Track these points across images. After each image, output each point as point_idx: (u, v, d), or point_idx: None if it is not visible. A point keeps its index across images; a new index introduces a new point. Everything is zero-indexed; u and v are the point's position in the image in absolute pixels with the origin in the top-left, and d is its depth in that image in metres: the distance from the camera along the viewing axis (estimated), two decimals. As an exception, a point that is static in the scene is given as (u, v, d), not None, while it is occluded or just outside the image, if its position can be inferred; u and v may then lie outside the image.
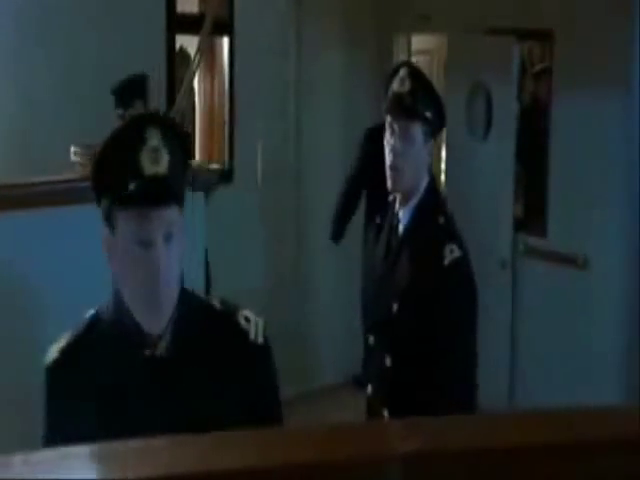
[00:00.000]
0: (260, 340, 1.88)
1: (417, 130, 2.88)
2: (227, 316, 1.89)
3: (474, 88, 5.61)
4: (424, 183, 2.94)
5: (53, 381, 1.88)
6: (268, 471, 1.33)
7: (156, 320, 1.80)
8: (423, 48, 6.76)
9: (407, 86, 2.87)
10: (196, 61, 5.59)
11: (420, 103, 2.87)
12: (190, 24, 5.62)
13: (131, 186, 1.71)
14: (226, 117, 5.80)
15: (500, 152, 5.51)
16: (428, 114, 2.89)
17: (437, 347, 2.83)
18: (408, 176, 2.91)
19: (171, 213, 1.77)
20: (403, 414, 2.83)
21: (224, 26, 5.69)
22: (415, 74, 2.93)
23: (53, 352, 1.88)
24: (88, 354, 1.86)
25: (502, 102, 5.50)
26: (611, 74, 4.89)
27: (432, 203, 2.96)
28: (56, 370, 1.87)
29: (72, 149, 3.99)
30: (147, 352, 1.81)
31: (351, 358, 6.01)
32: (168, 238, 1.76)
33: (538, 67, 5.76)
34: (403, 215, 2.96)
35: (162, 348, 1.81)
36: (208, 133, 5.97)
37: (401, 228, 2.97)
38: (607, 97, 4.92)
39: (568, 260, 5.16)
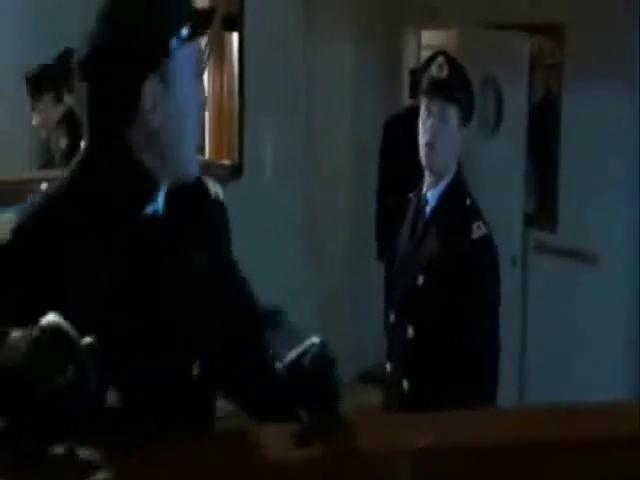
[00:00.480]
0: (224, 201, 1.87)
1: (453, 113, 3.02)
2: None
3: (484, 83, 5.58)
4: (454, 166, 3.07)
5: (7, 265, 1.58)
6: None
7: (196, 161, 1.73)
8: (433, 43, 6.72)
9: (445, 71, 3.01)
10: (205, 56, 5.60)
11: (456, 88, 3.02)
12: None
13: (195, 16, 1.70)
14: (235, 112, 5.79)
15: (510, 147, 5.49)
16: (463, 100, 3.03)
17: (463, 320, 2.89)
18: (442, 153, 3.03)
19: None
20: (423, 385, 2.93)
21: (234, 21, 5.68)
22: (452, 62, 3.07)
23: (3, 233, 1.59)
24: (59, 227, 1.59)
25: (512, 97, 5.48)
26: (623, 69, 4.87)
27: (460, 186, 3.10)
28: (12, 251, 1.58)
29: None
30: (149, 209, 1.66)
31: (360, 355, 6.00)
32: None
33: (549, 61, 5.73)
34: (431, 197, 3.07)
35: (158, 206, 1.68)
36: (218, 129, 5.97)
37: (428, 210, 3.07)
38: (618, 92, 4.90)
39: (579, 256, 5.14)
